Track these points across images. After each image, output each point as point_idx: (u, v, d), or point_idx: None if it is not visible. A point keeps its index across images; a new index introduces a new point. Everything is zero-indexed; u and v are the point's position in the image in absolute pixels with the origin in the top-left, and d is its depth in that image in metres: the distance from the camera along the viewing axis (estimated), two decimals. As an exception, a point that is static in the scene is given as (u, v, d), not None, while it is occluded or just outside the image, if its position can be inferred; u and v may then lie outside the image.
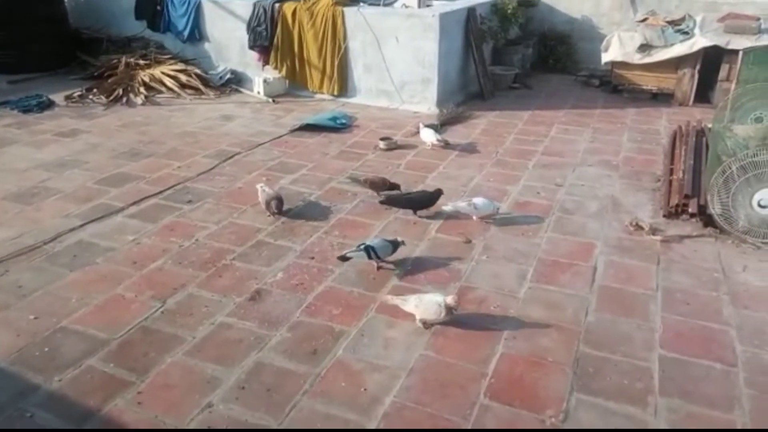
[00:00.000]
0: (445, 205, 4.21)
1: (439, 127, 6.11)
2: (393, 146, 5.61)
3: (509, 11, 7.90)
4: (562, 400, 2.59)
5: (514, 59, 8.23)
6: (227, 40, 7.77)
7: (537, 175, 5.06)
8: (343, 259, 3.57)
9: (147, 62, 7.70)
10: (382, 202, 4.33)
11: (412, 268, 3.61)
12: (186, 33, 7.97)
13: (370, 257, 3.52)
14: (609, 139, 5.94)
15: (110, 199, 4.54)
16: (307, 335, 3.01)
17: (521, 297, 3.33)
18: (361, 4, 7.06)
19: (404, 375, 2.74)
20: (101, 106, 6.97)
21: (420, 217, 4.24)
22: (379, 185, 4.52)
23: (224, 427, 2.45)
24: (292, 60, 7.35)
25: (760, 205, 3.71)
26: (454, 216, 4.23)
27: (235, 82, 7.77)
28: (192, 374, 2.75)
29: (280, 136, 5.98)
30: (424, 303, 3.00)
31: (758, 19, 6.77)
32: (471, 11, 7.13)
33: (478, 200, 4.16)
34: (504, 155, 5.52)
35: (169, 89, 7.41)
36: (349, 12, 6.85)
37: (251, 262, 3.68)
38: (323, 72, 7.18)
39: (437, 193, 4.29)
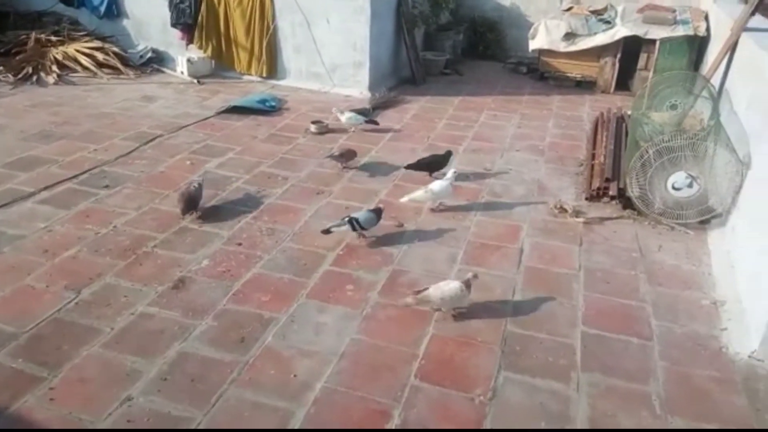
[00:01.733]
0: (402, 198, 4.14)
1: (370, 111, 6.08)
2: (324, 130, 5.53)
3: (440, -4, 7.93)
4: (491, 379, 2.63)
5: (445, 45, 8.29)
6: (148, 17, 7.37)
7: (467, 159, 5.12)
8: (326, 232, 3.60)
9: (60, 39, 7.21)
10: (407, 167, 4.63)
11: (344, 254, 3.56)
12: (103, 8, 7.49)
13: (354, 229, 3.57)
14: (536, 125, 6.09)
15: (18, 183, 4.23)
16: (235, 323, 2.91)
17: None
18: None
19: (335, 360, 2.70)
20: (8, 85, 6.47)
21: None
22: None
23: (146, 420, 2.34)
24: (218, 39, 7.08)
25: (674, 188, 3.91)
26: (386, 201, 4.22)
27: (156, 62, 7.40)
28: (110, 367, 2.60)
29: (206, 119, 5.76)
30: (447, 293, 2.95)
31: (674, 11, 7.11)
32: (402, -5, 7.10)
33: (435, 185, 4.10)
34: (435, 140, 5.55)
35: (85, 68, 6.98)
36: (279, -9, 6.66)
37: (174, 249, 3.52)
38: (251, 52, 6.96)
39: (447, 155, 4.70)
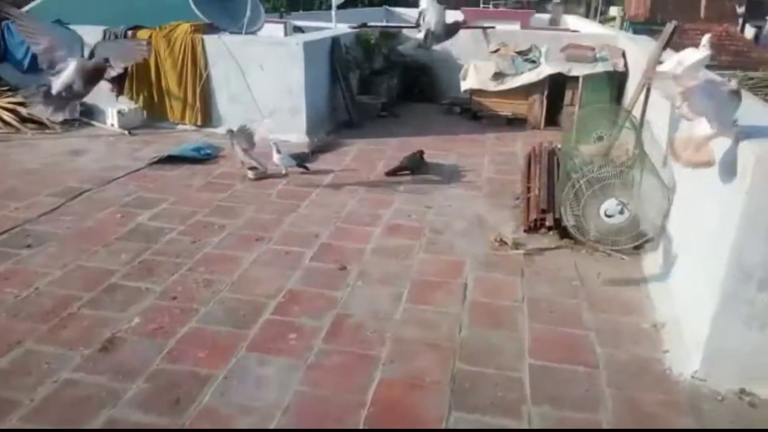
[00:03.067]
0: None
1: (309, 155, 6.06)
2: (262, 176, 5.44)
3: (372, 42, 8.11)
4: (442, 420, 2.55)
5: (380, 89, 8.43)
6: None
7: (408, 198, 5.13)
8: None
9: (-21, 95, 6.89)
10: (387, 174, 5.49)
11: (286, 301, 3.45)
12: (26, 62, 7.22)
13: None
14: (472, 161, 6.21)
15: (-72, 248, 3.92)
16: (169, 384, 2.73)
17: (397, 319, 3.30)
18: (222, 31, 6.87)
19: (279, 414, 2.56)
20: None
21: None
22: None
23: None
24: (149, 90, 6.94)
25: (606, 215, 4.02)
26: (328, 244, 4.16)
27: (85, 115, 7.14)
28: (28, 444, 2.37)
29: (138, 170, 5.57)
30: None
31: (593, 49, 7.52)
32: (335, 41, 7.22)
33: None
34: (375, 181, 5.56)
35: (7, 124, 6.68)
36: (210, 40, 6.63)
37: (102, 308, 3.31)
38: (184, 102, 6.85)
39: (419, 153, 5.61)
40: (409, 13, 18.28)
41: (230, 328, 3.16)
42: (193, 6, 6.90)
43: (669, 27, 4.68)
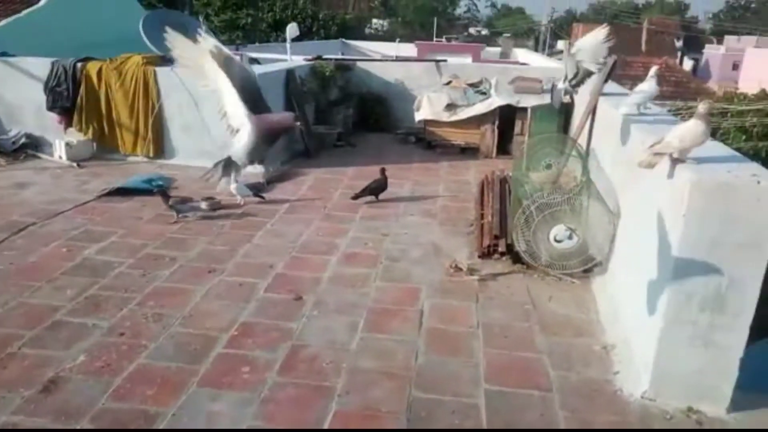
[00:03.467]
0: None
1: (264, 185, 6.02)
2: (216, 206, 5.37)
3: (327, 74, 8.20)
4: (398, 451, 2.53)
5: (336, 119, 8.50)
6: (20, 101, 6.98)
7: (364, 226, 5.15)
8: None
9: None
10: (354, 198, 5.64)
11: (239, 334, 3.37)
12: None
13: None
14: (427, 190, 6.30)
15: None
16: (115, 423, 2.62)
17: (353, 349, 3.27)
18: (175, 63, 6.81)
19: (231, 451, 2.49)
20: None
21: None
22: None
23: None
24: (99, 121, 6.80)
25: (556, 240, 4.13)
26: (283, 274, 4.12)
27: (31, 147, 6.96)
28: (-41, 495, 2.22)
29: (86, 203, 5.41)
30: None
31: (540, 81, 7.80)
32: (290, 73, 7.27)
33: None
34: (332, 210, 5.56)
35: (-53, 156, 6.41)
36: (162, 72, 6.57)
37: (45, 346, 3.16)
38: (136, 133, 6.74)
39: (381, 175, 5.72)
40: (365, 45, 18.66)
41: (180, 364, 3.07)
42: (145, 39, 6.86)
43: (610, 61, 4.90)
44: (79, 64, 6.74)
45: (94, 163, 6.73)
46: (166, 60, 6.83)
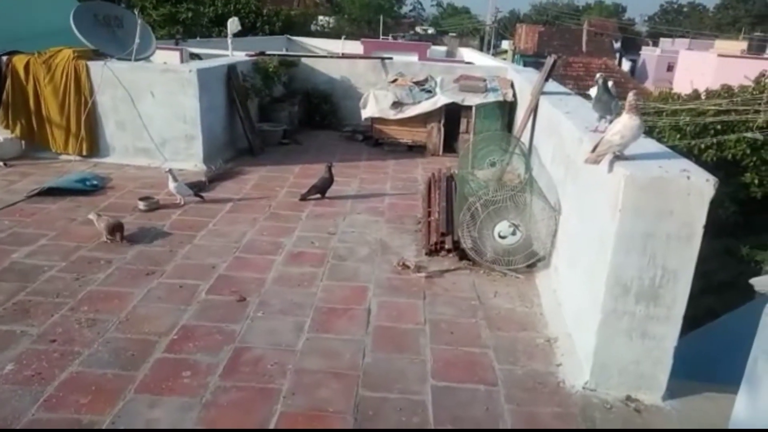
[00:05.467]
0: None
1: (206, 184, 5.86)
2: (155, 206, 5.18)
3: (271, 70, 8.06)
4: (345, 451, 2.50)
5: (281, 116, 8.37)
6: (-61, 96, 6.52)
7: (311, 225, 5.08)
8: None
9: None
10: (302, 199, 5.60)
11: (179, 338, 3.25)
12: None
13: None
14: (374, 187, 6.28)
15: None
16: (45, 436, 2.48)
17: (299, 350, 3.22)
18: (109, 58, 6.54)
19: (171, 460, 2.39)
20: None
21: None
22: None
23: None
24: (28, 118, 6.44)
25: (500, 236, 4.19)
26: (226, 275, 4.01)
27: (-50, 145, 6.52)
28: None
29: (13, 204, 5.10)
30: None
31: (485, 79, 7.92)
32: (231, 68, 7.09)
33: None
34: (277, 208, 5.46)
35: None
36: (95, 66, 6.28)
37: (-33, 356, 2.97)
38: (68, 130, 6.41)
39: (328, 173, 5.67)
40: (311, 42, 18.48)
41: (117, 370, 2.93)
42: (76, 32, 6.54)
43: (549, 60, 5.04)
44: (4, 58, 6.36)
45: (22, 162, 6.37)
46: (100, 54, 6.57)
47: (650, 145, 3.23)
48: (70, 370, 2.92)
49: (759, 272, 9.76)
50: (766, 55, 24.90)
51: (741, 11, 57.67)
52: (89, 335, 3.22)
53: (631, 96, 2.92)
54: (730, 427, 2.16)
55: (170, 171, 5.29)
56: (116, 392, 2.77)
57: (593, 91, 4.10)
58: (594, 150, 2.95)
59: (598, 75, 4.10)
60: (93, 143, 6.49)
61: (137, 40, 6.75)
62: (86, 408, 2.66)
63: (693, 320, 3.17)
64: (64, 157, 6.53)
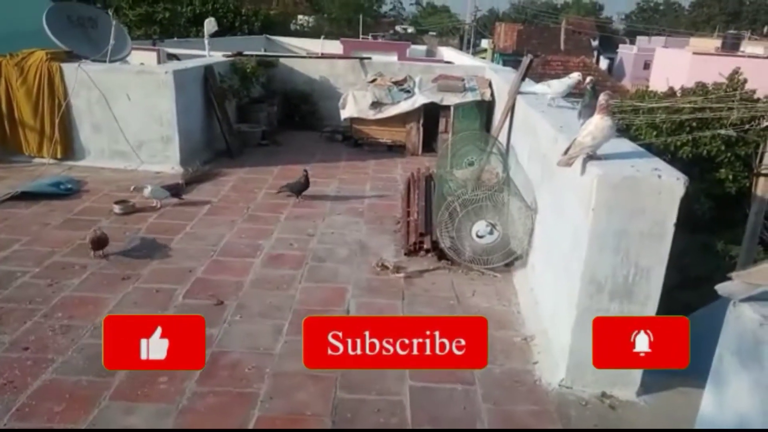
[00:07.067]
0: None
1: (183, 186, 5.80)
2: (130, 209, 5.12)
3: (249, 70, 8.02)
4: (323, 454, 2.50)
5: (260, 117, 8.32)
6: None
7: (290, 227, 5.06)
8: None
9: None
10: (279, 191, 5.69)
11: (156, 342, 3.22)
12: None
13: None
14: (354, 188, 6.28)
15: None
16: (17, 445, 2.44)
17: (277, 353, 3.21)
18: (84, 60, 6.44)
19: (146, 467, 2.37)
20: None
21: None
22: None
23: None
24: (0, 121, 6.33)
25: (478, 236, 4.22)
26: (203, 279, 3.98)
27: None
28: None
29: (-16, 209, 5.02)
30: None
31: (463, 79, 7.96)
32: (208, 69, 7.04)
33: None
34: (256, 210, 5.43)
35: None
36: (69, 68, 6.19)
37: (-64, 367, 2.91)
38: (41, 133, 6.30)
39: (304, 175, 5.65)
40: (290, 42, 18.38)
41: (91, 377, 2.89)
42: (49, 33, 6.43)
43: (526, 60, 5.07)
44: (-26, 59, 6.24)
45: (-6, 166, 6.26)
46: (74, 56, 6.47)
47: (623, 144, 3.27)
48: (43, 377, 2.88)
49: (734, 267, 9.94)
50: (739, 53, 25.37)
51: (716, 9, 58.71)
52: (63, 342, 3.17)
53: (602, 96, 2.96)
54: (698, 422, 2.20)
55: (135, 188, 5.27)
56: (91, 399, 2.74)
57: (554, 84, 4.09)
58: (566, 152, 2.98)
59: (588, 79, 4.11)
60: (67, 146, 6.39)
61: (112, 41, 6.65)
62: (60, 416, 2.62)
63: (669, 315, 3.21)
64: (37, 160, 6.42)
